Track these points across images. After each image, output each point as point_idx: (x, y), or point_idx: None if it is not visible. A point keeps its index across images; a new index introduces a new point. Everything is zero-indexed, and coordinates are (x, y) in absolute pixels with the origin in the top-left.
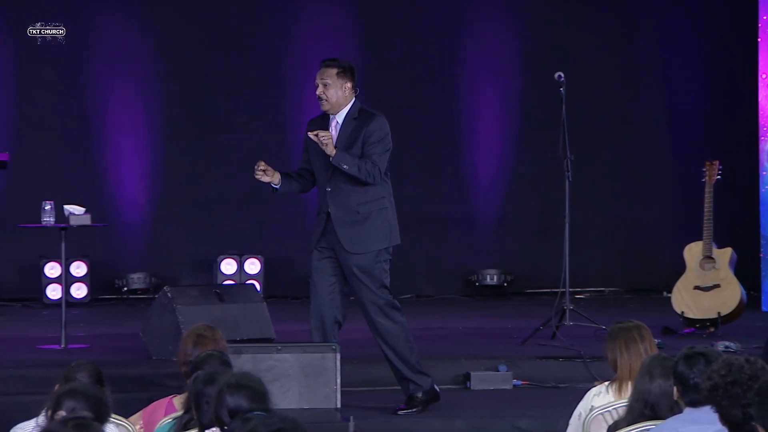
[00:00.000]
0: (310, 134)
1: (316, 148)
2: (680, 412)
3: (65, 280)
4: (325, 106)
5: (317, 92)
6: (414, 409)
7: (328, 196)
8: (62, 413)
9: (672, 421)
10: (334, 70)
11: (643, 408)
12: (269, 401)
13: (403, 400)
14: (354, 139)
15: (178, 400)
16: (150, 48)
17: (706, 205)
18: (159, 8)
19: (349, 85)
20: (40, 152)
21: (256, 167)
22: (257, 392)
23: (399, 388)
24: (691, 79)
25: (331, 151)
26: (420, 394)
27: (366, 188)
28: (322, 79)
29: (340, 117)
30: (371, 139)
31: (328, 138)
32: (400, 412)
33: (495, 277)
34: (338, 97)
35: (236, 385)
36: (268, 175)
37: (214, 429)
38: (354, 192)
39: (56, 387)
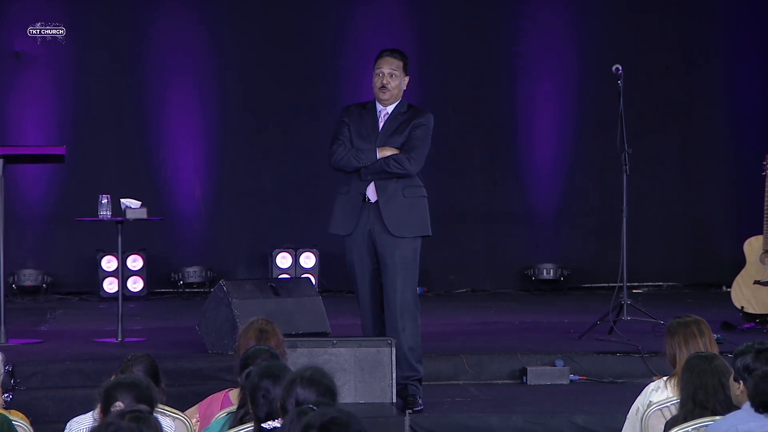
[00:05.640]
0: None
1: (359, 130)
2: (736, 408)
3: (122, 273)
4: (387, 96)
5: (382, 81)
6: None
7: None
8: (119, 404)
9: (731, 417)
10: (401, 63)
11: (693, 405)
12: (336, 400)
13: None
14: (401, 129)
15: (233, 394)
16: (207, 42)
17: (766, 199)
18: (216, 3)
19: (407, 80)
20: (97, 146)
21: None
22: (328, 389)
23: (455, 383)
24: (752, 72)
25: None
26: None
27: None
28: (390, 68)
29: (389, 109)
30: (417, 130)
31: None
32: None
33: (552, 272)
34: (399, 89)
35: (310, 379)
36: None
37: (269, 422)
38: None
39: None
